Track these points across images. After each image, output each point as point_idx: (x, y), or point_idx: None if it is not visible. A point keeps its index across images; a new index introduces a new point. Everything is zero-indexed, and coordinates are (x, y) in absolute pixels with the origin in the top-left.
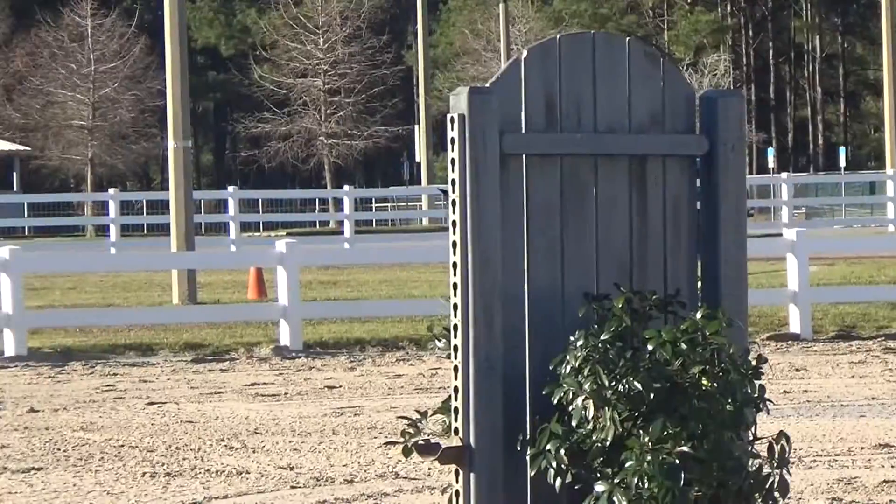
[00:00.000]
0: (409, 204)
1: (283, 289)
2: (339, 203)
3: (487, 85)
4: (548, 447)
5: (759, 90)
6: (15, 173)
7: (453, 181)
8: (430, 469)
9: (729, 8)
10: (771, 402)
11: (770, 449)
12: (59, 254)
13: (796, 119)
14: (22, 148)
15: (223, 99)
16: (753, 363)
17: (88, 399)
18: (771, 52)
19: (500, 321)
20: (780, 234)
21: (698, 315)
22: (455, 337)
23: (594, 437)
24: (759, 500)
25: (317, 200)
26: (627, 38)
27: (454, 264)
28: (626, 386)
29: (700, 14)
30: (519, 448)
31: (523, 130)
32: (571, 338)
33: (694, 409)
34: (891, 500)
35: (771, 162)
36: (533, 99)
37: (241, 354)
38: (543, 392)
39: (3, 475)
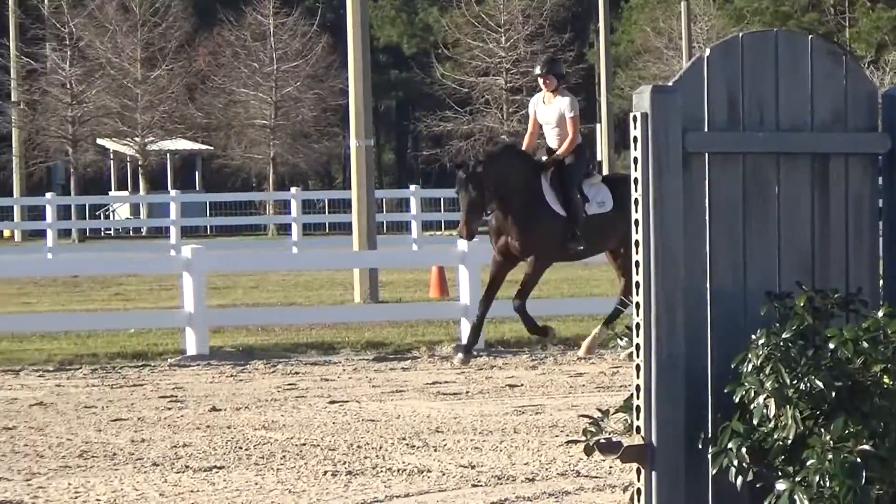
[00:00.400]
0: None
1: (465, 287)
2: None
3: (670, 84)
4: (729, 445)
5: None
6: (197, 172)
7: (636, 180)
8: (611, 467)
9: None
10: None
11: None
12: (241, 253)
13: None
14: (204, 147)
15: (405, 97)
16: None
17: (270, 398)
18: None
19: (682, 320)
20: None
21: (880, 313)
22: (637, 335)
23: (775, 436)
24: None
25: None
26: (810, 37)
27: (636, 263)
28: (808, 384)
29: (882, 11)
30: (700, 446)
31: (706, 129)
32: (753, 336)
33: (875, 408)
34: None
35: None
36: (715, 97)
37: (423, 353)
38: (725, 390)
39: (186, 473)
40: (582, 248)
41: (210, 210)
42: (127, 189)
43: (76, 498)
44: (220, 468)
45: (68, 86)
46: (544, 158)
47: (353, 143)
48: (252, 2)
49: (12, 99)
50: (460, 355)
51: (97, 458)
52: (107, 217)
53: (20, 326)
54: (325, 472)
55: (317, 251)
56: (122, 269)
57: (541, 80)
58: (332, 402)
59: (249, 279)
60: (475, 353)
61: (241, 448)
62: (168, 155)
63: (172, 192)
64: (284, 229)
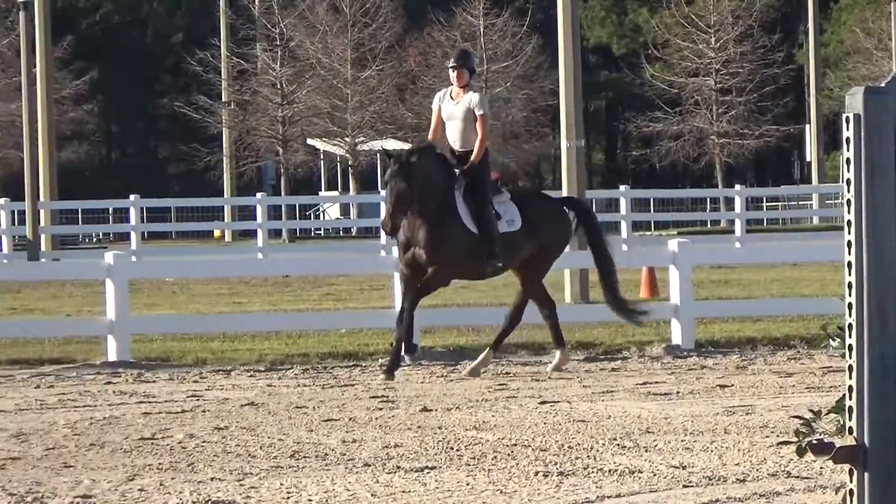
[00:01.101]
0: (800, 203)
1: (675, 288)
2: (729, 202)
3: (882, 84)
4: None
5: None
6: None
7: (848, 181)
8: (822, 468)
9: None
10: None
11: None
12: None
13: None
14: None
15: (614, 98)
16: None
17: (481, 398)
18: None
19: (894, 322)
20: None
21: None
22: (849, 336)
23: None
24: None
25: (707, 199)
26: None
27: (849, 264)
28: None
29: None
30: None
31: None
32: None
33: None
34: None
35: None
36: None
37: (633, 353)
38: None
39: (397, 474)
40: (501, 265)
41: None
42: (337, 189)
43: (288, 498)
44: (432, 468)
45: (279, 86)
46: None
47: (563, 143)
48: (462, 2)
49: (223, 99)
50: (383, 376)
51: (309, 458)
52: (317, 217)
53: (232, 326)
54: (537, 473)
55: None
56: (332, 269)
57: (453, 73)
58: (543, 403)
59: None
60: (684, 353)
61: (452, 448)
62: (378, 155)
63: (383, 192)
64: None
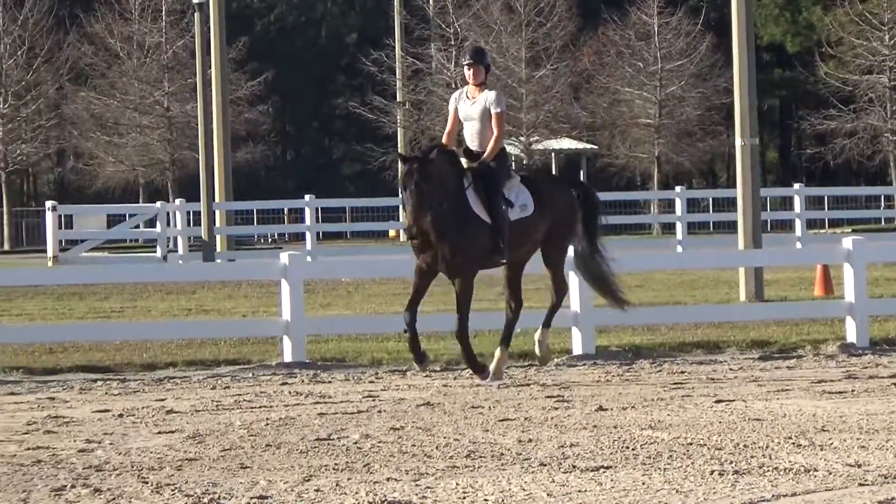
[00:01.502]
0: None
1: (850, 285)
2: None
3: None
4: None
5: None
6: (582, 171)
7: None
8: None
9: None
10: None
11: None
12: (625, 252)
13: None
14: (589, 146)
15: (788, 96)
16: None
17: (656, 397)
18: None
19: None
20: None
21: None
22: None
23: None
24: None
25: (882, 197)
26: None
27: None
28: None
29: None
30: None
31: None
32: None
33: None
34: None
35: None
36: None
37: (808, 352)
38: None
39: (573, 473)
40: (505, 260)
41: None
42: None
43: (464, 498)
44: (608, 468)
45: (453, 86)
46: (465, 162)
47: (738, 141)
48: (636, 1)
49: (398, 99)
50: (416, 367)
51: (484, 458)
52: None
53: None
54: (712, 472)
55: (702, 250)
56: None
57: (468, 71)
58: (718, 402)
59: (634, 278)
60: (859, 351)
61: (627, 448)
62: (553, 154)
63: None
64: (669, 228)
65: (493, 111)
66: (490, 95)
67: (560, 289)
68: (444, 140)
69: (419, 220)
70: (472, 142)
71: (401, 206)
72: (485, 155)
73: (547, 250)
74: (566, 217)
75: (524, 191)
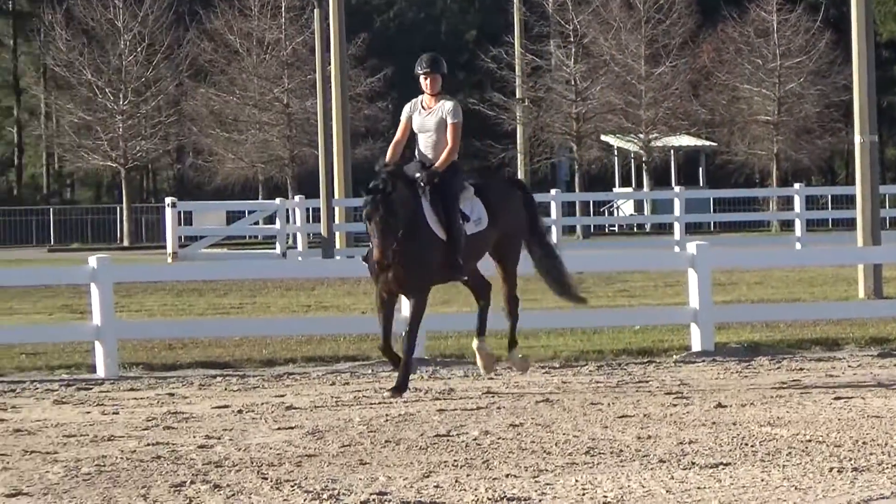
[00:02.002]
0: None
1: None
2: None
3: None
4: None
5: None
6: (701, 168)
7: None
8: None
9: None
10: None
11: None
12: (745, 249)
13: None
14: (707, 143)
15: None
16: None
17: (775, 394)
18: None
19: None
20: None
21: None
22: None
23: None
24: None
25: None
26: None
27: None
28: None
29: None
30: None
31: None
32: None
33: None
34: None
35: None
36: None
37: None
38: None
39: (692, 470)
40: (465, 277)
41: (713, 206)
42: (631, 185)
43: (583, 495)
44: (726, 465)
45: (573, 82)
46: (417, 174)
47: (857, 138)
48: None
49: (517, 96)
50: (388, 393)
51: (603, 454)
52: (611, 213)
53: (526, 323)
54: (831, 469)
55: (821, 247)
56: (626, 265)
57: (425, 81)
58: (837, 399)
59: (753, 275)
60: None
61: (746, 444)
62: (672, 151)
63: (676, 189)
64: (787, 225)
65: (449, 121)
66: (447, 105)
67: (511, 288)
68: (390, 150)
69: (387, 251)
70: (427, 152)
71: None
72: (437, 164)
73: (501, 251)
74: (518, 222)
75: (478, 202)
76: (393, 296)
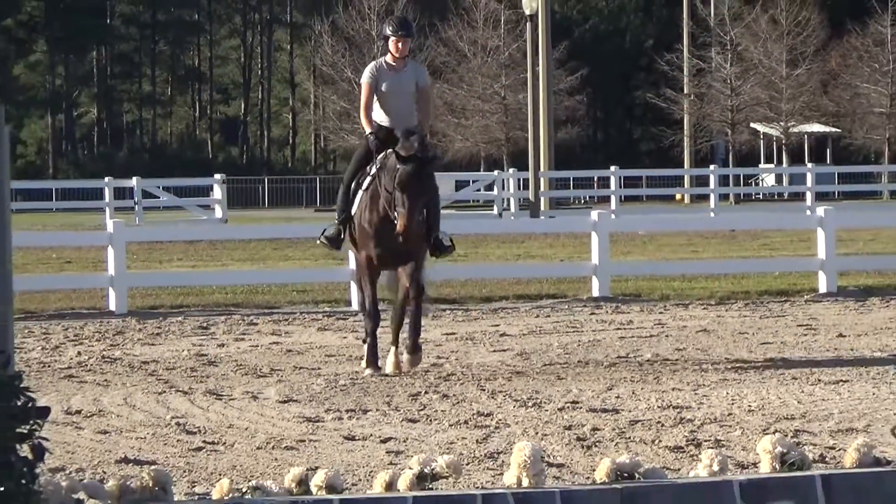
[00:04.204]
0: None
1: None
2: None
3: None
4: None
5: None
6: (828, 150)
7: None
8: None
9: None
10: None
11: None
12: (861, 213)
13: None
14: (834, 130)
15: None
16: None
17: (885, 326)
18: None
19: None
20: None
21: None
22: None
23: None
24: None
25: None
26: None
27: None
28: None
29: None
30: None
31: None
32: None
33: None
34: None
35: None
36: None
37: None
38: None
39: (818, 386)
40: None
41: (838, 179)
42: (773, 162)
43: (732, 404)
44: (845, 382)
45: (728, 81)
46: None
47: None
48: (875, 14)
49: (685, 92)
50: (369, 370)
51: (748, 372)
52: (756, 184)
53: (689, 270)
54: None
55: None
56: (769, 224)
57: (395, 43)
58: None
59: (868, 233)
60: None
61: (861, 366)
62: (805, 136)
63: (809, 165)
64: (894, 195)
65: (424, 83)
66: (419, 68)
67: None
68: (365, 115)
69: (413, 222)
70: (400, 116)
71: (393, 203)
72: (425, 132)
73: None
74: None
75: None
76: (375, 274)
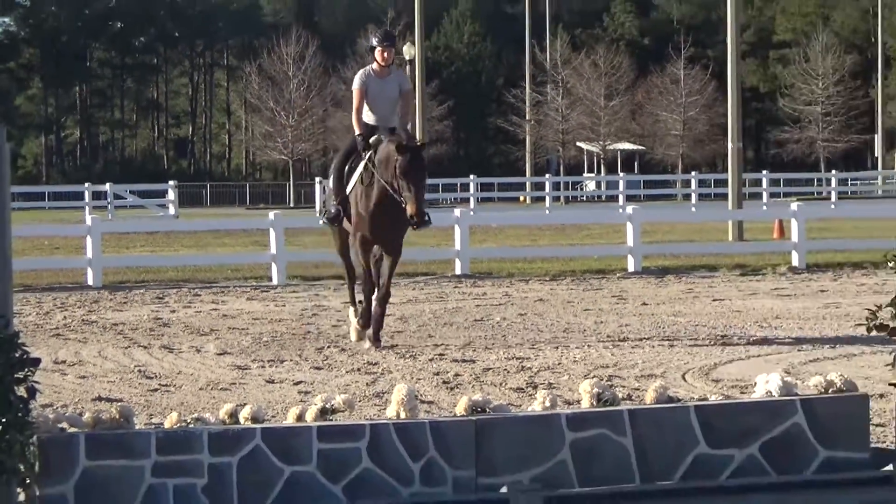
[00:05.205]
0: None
1: (795, 232)
2: (828, 181)
3: None
4: None
5: None
6: (636, 163)
7: None
8: (882, 342)
9: None
10: None
11: None
12: (661, 210)
13: None
14: (639, 147)
15: (761, 118)
16: None
17: (677, 297)
18: None
19: None
20: None
21: None
22: None
23: None
24: None
25: (815, 179)
26: None
27: None
28: None
29: None
30: None
31: None
32: None
33: None
34: None
35: None
36: None
37: (769, 271)
38: None
39: (627, 342)
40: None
41: (643, 185)
42: (594, 172)
43: (561, 356)
44: (647, 339)
45: (560, 111)
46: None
47: (730, 144)
48: (671, 60)
49: (527, 118)
50: (367, 342)
51: (575, 333)
52: (581, 189)
53: (530, 254)
54: (710, 343)
55: (712, 209)
56: (590, 219)
57: (381, 53)
58: (714, 300)
59: (666, 226)
60: (800, 271)
61: (660, 327)
62: (618, 152)
63: (621, 174)
64: (687, 197)
65: (406, 88)
66: (402, 74)
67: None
68: (354, 117)
69: (422, 206)
70: (386, 118)
71: (402, 190)
72: (411, 131)
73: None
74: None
75: None
76: (369, 250)
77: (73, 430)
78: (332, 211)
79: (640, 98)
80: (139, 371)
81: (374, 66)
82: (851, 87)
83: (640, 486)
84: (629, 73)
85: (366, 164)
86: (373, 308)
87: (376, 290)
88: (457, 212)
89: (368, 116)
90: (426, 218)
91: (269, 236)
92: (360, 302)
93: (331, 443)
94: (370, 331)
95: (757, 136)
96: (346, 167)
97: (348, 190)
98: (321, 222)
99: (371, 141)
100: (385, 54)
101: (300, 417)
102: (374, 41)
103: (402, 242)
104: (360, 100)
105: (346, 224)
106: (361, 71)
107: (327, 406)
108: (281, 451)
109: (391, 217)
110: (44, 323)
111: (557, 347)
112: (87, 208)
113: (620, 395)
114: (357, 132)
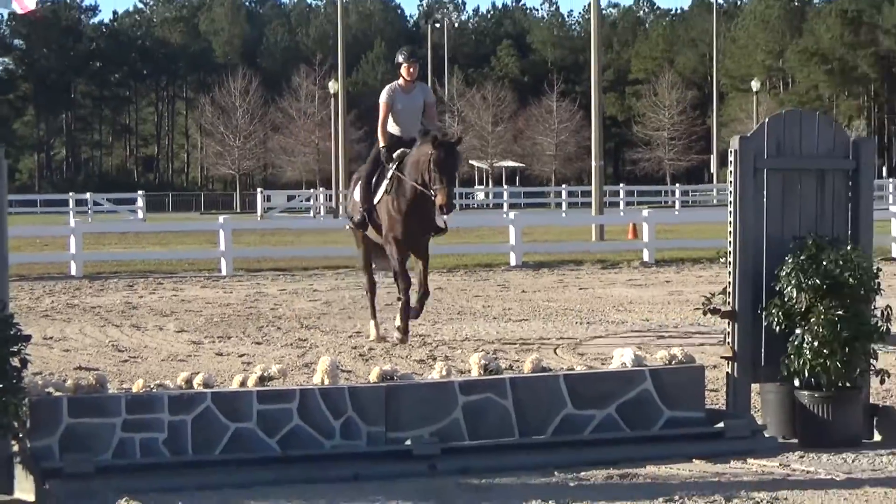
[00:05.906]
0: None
1: (646, 233)
2: (673, 192)
3: (748, 135)
4: (773, 311)
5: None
6: (517, 177)
7: (731, 182)
8: (715, 322)
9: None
10: (883, 290)
11: (882, 314)
12: (536, 216)
13: None
14: (521, 165)
15: (619, 141)
16: (875, 272)
17: (551, 287)
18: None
19: (750, 252)
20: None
21: (848, 247)
22: (730, 257)
23: (796, 307)
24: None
25: (662, 192)
26: (816, 113)
27: (732, 223)
28: (812, 281)
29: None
30: (759, 311)
31: (765, 157)
32: (787, 258)
33: (846, 293)
34: None
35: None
36: (770, 142)
37: (625, 265)
38: (772, 284)
39: (509, 322)
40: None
41: (523, 196)
42: (483, 185)
43: (456, 333)
44: (526, 320)
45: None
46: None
47: (594, 162)
48: (546, 94)
49: None
50: (397, 334)
51: (467, 314)
52: (473, 199)
53: (431, 251)
54: (577, 322)
55: (579, 214)
56: (480, 223)
57: (407, 69)
58: (580, 289)
59: (542, 229)
60: (651, 265)
61: (536, 311)
62: (503, 168)
63: (505, 186)
64: (558, 206)
65: (430, 101)
66: (426, 88)
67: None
68: (384, 131)
69: (453, 199)
70: (412, 130)
71: (433, 183)
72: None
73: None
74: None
75: None
76: (404, 250)
77: (57, 394)
78: (358, 218)
79: (521, 125)
80: (112, 345)
81: (401, 81)
82: (692, 116)
83: (519, 439)
84: (512, 105)
85: (392, 174)
86: (411, 303)
87: (409, 288)
88: None
89: (393, 128)
90: (454, 206)
91: (218, 236)
92: (398, 299)
93: (268, 404)
94: (400, 323)
95: (616, 155)
96: (375, 177)
97: (376, 199)
98: (347, 227)
99: (395, 155)
100: (411, 69)
101: (243, 383)
102: (401, 58)
103: (428, 244)
104: (386, 112)
105: (371, 233)
106: (388, 86)
107: (265, 374)
108: (227, 411)
109: (419, 217)
110: (35, 306)
111: (452, 326)
112: (71, 213)
113: (503, 366)
114: (381, 143)
